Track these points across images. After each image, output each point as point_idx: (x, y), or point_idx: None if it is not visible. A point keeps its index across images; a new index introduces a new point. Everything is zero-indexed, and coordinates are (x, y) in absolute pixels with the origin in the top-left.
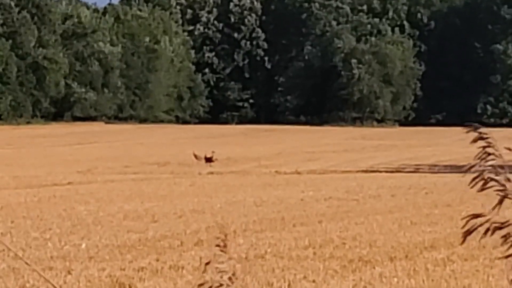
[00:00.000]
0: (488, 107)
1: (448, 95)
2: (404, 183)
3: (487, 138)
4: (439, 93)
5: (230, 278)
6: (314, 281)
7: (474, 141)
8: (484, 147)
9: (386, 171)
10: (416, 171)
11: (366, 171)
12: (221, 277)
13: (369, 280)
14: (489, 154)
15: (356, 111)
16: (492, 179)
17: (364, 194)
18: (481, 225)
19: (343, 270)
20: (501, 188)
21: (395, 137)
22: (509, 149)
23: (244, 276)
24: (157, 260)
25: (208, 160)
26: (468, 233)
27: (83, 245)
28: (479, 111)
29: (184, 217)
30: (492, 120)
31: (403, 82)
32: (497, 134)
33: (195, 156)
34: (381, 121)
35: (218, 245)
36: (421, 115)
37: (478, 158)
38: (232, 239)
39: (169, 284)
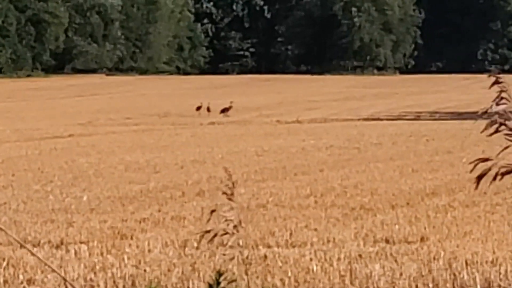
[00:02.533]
0: (488, 53)
1: (448, 42)
2: (405, 130)
3: (502, 83)
4: (439, 40)
5: (235, 226)
6: (315, 229)
7: (491, 86)
8: (500, 92)
9: (387, 119)
10: (416, 118)
11: (367, 119)
12: (228, 225)
13: (371, 227)
14: (502, 98)
15: (356, 59)
16: (502, 124)
17: (365, 142)
18: (490, 169)
19: (344, 218)
20: (510, 133)
21: (395, 85)
22: None
23: (245, 225)
24: (159, 211)
25: (224, 110)
26: (481, 177)
27: (85, 197)
28: (479, 57)
29: (186, 167)
30: (492, 66)
31: (403, 30)
32: None
33: (207, 108)
34: (381, 69)
35: (225, 193)
36: (421, 63)
37: (493, 102)
38: (234, 188)
39: (171, 235)
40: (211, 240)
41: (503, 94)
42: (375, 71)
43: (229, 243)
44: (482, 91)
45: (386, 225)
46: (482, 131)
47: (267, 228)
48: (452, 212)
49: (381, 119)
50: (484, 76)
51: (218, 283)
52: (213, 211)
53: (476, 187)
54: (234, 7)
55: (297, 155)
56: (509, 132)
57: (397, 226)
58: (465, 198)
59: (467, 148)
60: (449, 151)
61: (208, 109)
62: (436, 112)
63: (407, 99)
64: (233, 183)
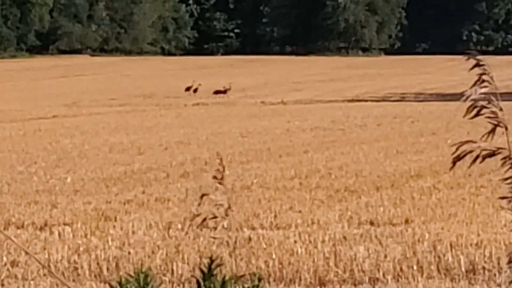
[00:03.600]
0: (473, 35)
1: (433, 24)
2: (390, 112)
3: (483, 65)
4: (424, 21)
5: (227, 210)
6: (300, 211)
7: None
8: (480, 74)
9: (372, 100)
10: (401, 99)
11: (351, 101)
12: (218, 209)
13: (355, 209)
14: (484, 81)
15: (341, 40)
16: (484, 107)
17: (350, 124)
18: (470, 151)
19: (329, 200)
20: (493, 115)
21: (380, 66)
22: None
23: (234, 208)
24: (143, 192)
25: (221, 92)
26: (457, 158)
27: (69, 179)
28: (464, 39)
29: (170, 149)
30: (478, 47)
31: (388, 11)
32: (483, 62)
33: (194, 89)
34: (366, 50)
35: (215, 177)
36: (406, 44)
37: (474, 85)
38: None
39: (155, 217)
40: (201, 224)
41: (484, 77)
42: (360, 52)
43: (219, 227)
44: (467, 73)
45: (371, 207)
46: (464, 115)
47: (252, 210)
48: (436, 194)
49: (366, 101)
50: (468, 59)
51: (210, 269)
52: (203, 195)
53: (451, 168)
54: None
55: (281, 136)
56: (491, 115)
57: (381, 208)
58: (449, 180)
59: (452, 130)
60: (433, 132)
61: (195, 90)
62: (421, 94)
63: (392, 80)
64: (223, 167)
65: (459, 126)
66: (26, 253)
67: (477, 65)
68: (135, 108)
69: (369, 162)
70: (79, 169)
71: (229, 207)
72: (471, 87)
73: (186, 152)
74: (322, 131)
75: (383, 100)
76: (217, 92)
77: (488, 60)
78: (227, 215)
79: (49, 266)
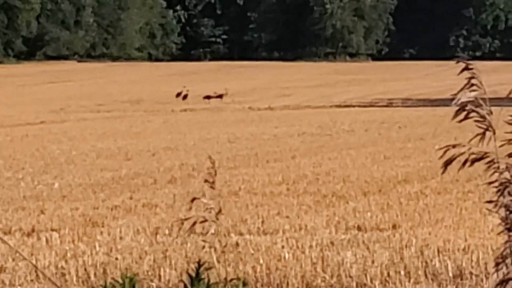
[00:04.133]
0: (461, 40)
1: (420, 29)
2: (377, 117)
3: (472, 69)
4: (412, 27)
5: (217, 214)
6: (287, 216)
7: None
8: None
9: (360, 106)
10: (389, 105)
11: (339, 106)
12: (210, 213)
13: (343, 215)
14: (473, 85)
15: (329, 46)
16: (473, 111)
17: (338, 129)
18: (460, 155)
19: (316, 206)
20: (481, 119)
21: (368, 72)
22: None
23: (224, 213)
24: (131, 198)
25: (211, 97)
26: (448, 162)
27: (56, 185)
28: (451, 44)
29: (157, 154)
30: (465, 53)
31: (376, 16)
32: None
33: (183, 96)
34: (354, 56)
35: (206, 181)
36: (394, 49)
37: (463, 89)
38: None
39: (143, 222)
40: (192, 228)
41: (473, 81)
42: (348, 57)
43: (211, 231)
44: (454, 78)
45: (358, 212)
46: (452, 119)
47: (239, 216)
48: (424, 199)
49: (354, 106)
50: (457, 63)
51: (198, 273)
52: (194, 199)
53: (443, 172)
54: None
55: (269, 142)
56: (480, 119)
57: (369, 214)
58: (437, 185)
59: (439, 135)
60: (421, 138)
61: (185, 97)
62: (409, 99)
63: (379, 85)
64: (215, 171)
65: (446, 131)
66: (19, 255)
67: (466, 69)
68: (122, 114)
69: (356, 168)
70: (66, 175)
71: (220, 211)
72: (460, 91)
73: (173, 158)
74: (309, 136)
75: (371, 106)
76: (207, 97)
77: (474, 65)
78: (217, 218)
79: (36, 272)
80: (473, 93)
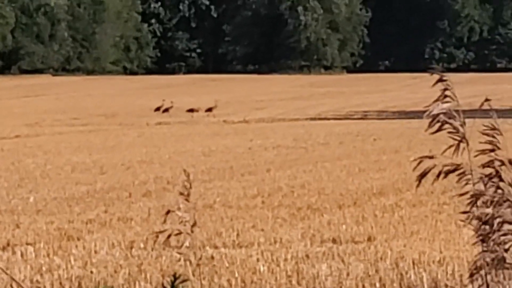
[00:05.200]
0: (436, 52)
1: (395, 41)
2: (352, 130)
3: (445, 81)
4: (387, 39)
5: (192, 226)
6: (262, 229)
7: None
8: (443, 90)
9: (334, 118)
10: (364, 117)
11: (314, 119)
12: (184, 225)
13: (318, 227)
14: (446, 96)
15: (304, 59)
16: (446, 122)
17: (313, 142)
18: (433, 167)
19: (291, 218)
20: (454, 131)
21: (343, 84)
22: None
23: (199, 226)
24: (106, 212)
25: (209, 109)
26: (422, 175)
27: (31, 198)
28: (426, 56)
29: (132, 168)
30: (440, 65)
31: (350, 29)
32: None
33: (164, 109)
34: (329, 68)
35: (181, 193)
36: (369, 62)
37: (436, 100)
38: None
39: (118, 236)
40: (166, 240)
41: (447, 92)
42: (322, 70)
43: (186, 243)
44: (429, 90)
45: (333, 225)
46: (426, 130)
47: (214, 229)
48: (399, 211)
49: (329, 119)
50: (432, 75)
51: (173, 287)
52: (168, 211)
53: (418, 185)
54: (180, 7)
55: (244, 155)
56: (453, 131)
57: (344, 226)
58: (412, 198)
59: (414, 147)
60: (396, 150)
61: (166, 110)
62: (384, 111)
63: (354, 98)
64: (190, 184)
65: (421, 143)
66: None
67: (440, 80)
68: (97, 127)
69: (331, 180)
70: (41, 188)
71: (195, 223)
72: (433, 102)
73: (148, 171)
74: (284, 149)
75: (346, 118)
76: (190, 110)
77: (450, 77)
78: (192, 231)
79: (11, 286)
80: (446, 105)
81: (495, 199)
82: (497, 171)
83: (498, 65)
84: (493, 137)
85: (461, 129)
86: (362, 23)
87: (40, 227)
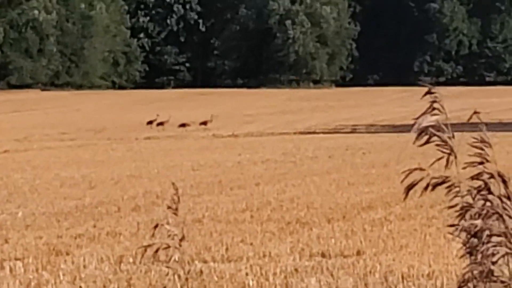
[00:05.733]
0: (425, 66)
1: (384, 55)
2: (341, 143)
3: (434, 93)
4: (375, 53)
5: (181, 240)
6: (251, 244)
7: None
8: (432, 102)
9: (323, 132)
10: (353, 131)
11: (303, 133)
12: (173, 239)
13: (307, 241)
14: (434, 109)
15: (292, 72)
16: (435, 135)
17: (301, 156)
18: (421, 180)
19: (280, 232)
20: (443, 144)
21: (331, 98)
22: (477, 112)
23: (187, 240)
24: (94, 226)
25: (203, 123)
26: (410, 187)
27: (20, 213)
28: (415, 70)
29: (121, 182)
30: (429, 78)
31: (339, 43)
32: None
33: (158, 123)
34: (317, 82)
35: (169, 207)
36: (358, 76)
37: (424, 113)
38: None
39: (107, 251)
40: (155, 254)
41: (435, 105)
42: (311, 84)
43: (174, 257)
44: (419, 104)
45: (322, 239)
46: (414, 142)
47: (203, 243)
48: (388, 225)
49: (317, 133)
50: (420, 88)
51: None
52: (157, 225)
53: (405, 198)
54: (169, 21)
55: (233, 169)
56: (441, 143)
57: (333, 240)
58: (401, 211)
59: (403, 161)
60: (385, 164)
61: (160, 124)
62: (373, 125)
63: (343, 112)
64: (178, 198)
65: (410, 157)
66: None
67: (429, 93)
68: (86, 142)
69: (320, 194)
70: (30, 203)
71: (183, 237)
72: (421, 114)
73: (137, 186)
74: (273, 163)
75: (335, 132)
76: (182, 125)
77: (438, 91)
78: (180, 245)
79: None
80: (434, 117)
81: (484, 211)
82: (486, 184)
83: (487, 79)
84: (482, 149)
85: (449, 141)
86: (351, 36)
87: (28, 242)
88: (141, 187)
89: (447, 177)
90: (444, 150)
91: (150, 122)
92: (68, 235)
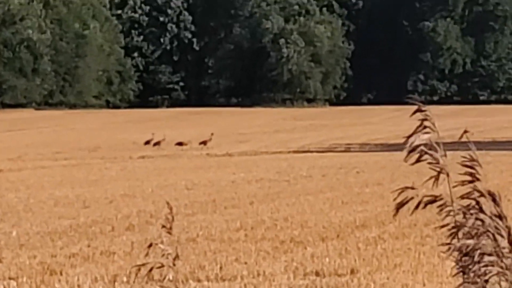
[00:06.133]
0: (419, 84)
1: (378, 74)
2: (335, 162)
3: (424, 111)
4: (369, 72)
5: (174, 259)
6: (246, 263)
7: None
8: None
9: (317, 151)
10: (347, 150)
11: (297, 152)
12: (167, 258)
13: (301, 260)
14: (426, 127)
15: (286, 91)
16: (426, 153)
17: (295, 175)
18: (411, 198)
19: (274, 251)
20: (435, 162)
21: (325, 117)
22: (466, 131)
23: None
24: (88, 246)
25: (203, 142)
26: (400, 205)
27: (14, 233)
28: (409, 88)
29: (115, 202)
30: (422, 97)
31: (333, 62)
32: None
33: (155, 143)
34: (311, 101)
35: (164, 226)
36: (352, 94)
37: (416, 131)
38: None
39: (101, 270)
40: (148, 274)
41: (426, 123)
42: (305, 103)
43: (169, 278)
44: (412, 122)
45: (316, 257)
46: (405, 159)
47: (197, 262)
48: (382, 244)
49: (311, 151)
50: (414, 107)
51: None
52: (151, 244)
53: (395, 215)
54: (162, 40)
55: (227, 188)
56: (433, 161)
57: (327, 259)
58: (395, 230)
59: (397, 180)
60: (379, 183)
61: (157, 143)
62: (366, 144)
63: (337, 131)
64: (173, 217)
65: (404, 176)
66: None
67: (419, 110)
68: (80, 161)
69: (314, 213)
70: (24, 223)
71: (177, 256)
72: (413, 133)
73: (131, 205)
74: (267, 182)
75: (329, 151)
76: (179, 144)
77: (432, 109)
78: (174, 264)
79: None
80: (425, 136)
81: (474, 231)
82: (477, 202)
83: (481, 97)
84: (473, 168)
85: (441, 160)
86: (345, 55)
87: (23, 262)
88: (135, 206)
89: (438, 195)
90: (436, 169)
91: (147, 142)
92: (62, 254)
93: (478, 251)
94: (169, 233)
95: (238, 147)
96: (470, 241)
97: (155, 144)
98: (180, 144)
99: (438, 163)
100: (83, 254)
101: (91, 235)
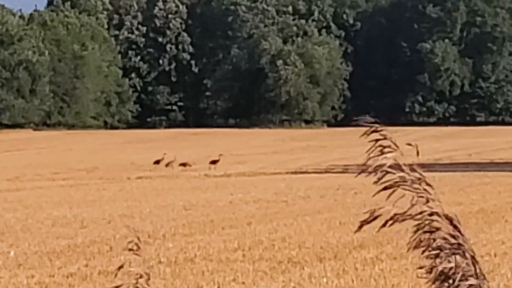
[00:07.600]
0: (416, 105)
1: (376, 95)
2: (333, 183)
3: (381, 131)
4: (367, 93)
5: (146, 281)
6: (243, 283)
7: (366, 134)
8: (378, 140)
9: (315, 172)
10: (344, 171)
11: (295, 172)
12: (137, 280)
13: (299, 281)
14: (385, 147)
15: (284, 112)
16: (388, 172)
17: (293, 195)
18: (378, 216)
19: (272, 272)
20: (401, 181)
21: (323, 138)
22: (409, 144)
23: (173, 280)
24: (86, 265)
25: (213, 162)
26: (365, 222)
27: (12, 253)
28: (407, 110)
29: (113, 222)
30: (420, 119)
31: (331, 83)
32: (426, 133)
33: (167, 163)
34: (309, 122)
35: (131, 249)
36: (349, 115)
37: (373, 152)
38: (162, 243)
39: None
40: None
41: (385, 142)
42: (303, 124)
43: None
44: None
45: (314, 278)
46: (375, 182)
47: (195, 283)
48: (379, 264)
49: (309, 172)
50: (411, 128)
51: None
52: (120, 267)
53: (357, 231)
54: (161, 61)
55: (225, 208)
56: (399, 180)
57: (324, 279)
58: (392, 251)
59: (394, 200)
60: (376, 203)
61: (169, 164)
62: (364, 165)
63: (335, 152)
64: (138, 238)
65: (401, 197)
66: None
67: (374, 131)
68: (78, 182)
69: (312, 234)
70: (22, 243)
71: (149, 277)
72: (371, 154)
73: (129, 225)
74: (265, 203)
75: (326, 172)
76: (182, 164)
77: (430, 131)
78: (148, 285)
79: None
80: (391, 155)
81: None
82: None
83: (478, 119)
84: (425, 190)
85: (407, 177)
86: (343, 77)
87: (21, 281)
88: (133, 227)
89: (413, 214)
90: (406, 188)
91: (157, 162)
92: (60, 274)
93: (459, 273)
94: (138, 255)
95: (236, 168)
96: (451, 263)
97: (167, 165)
98: (183, 164)
99: (406, 182)
100: (81, 274)
101: (89, 255)
